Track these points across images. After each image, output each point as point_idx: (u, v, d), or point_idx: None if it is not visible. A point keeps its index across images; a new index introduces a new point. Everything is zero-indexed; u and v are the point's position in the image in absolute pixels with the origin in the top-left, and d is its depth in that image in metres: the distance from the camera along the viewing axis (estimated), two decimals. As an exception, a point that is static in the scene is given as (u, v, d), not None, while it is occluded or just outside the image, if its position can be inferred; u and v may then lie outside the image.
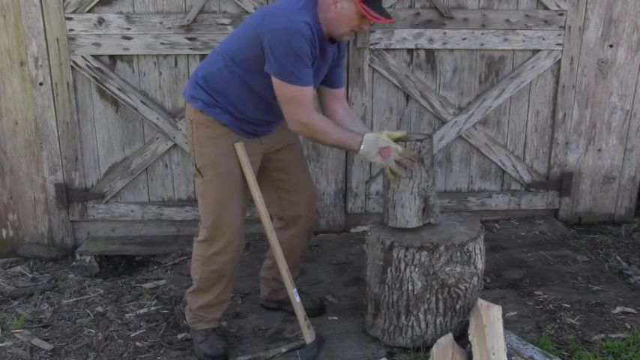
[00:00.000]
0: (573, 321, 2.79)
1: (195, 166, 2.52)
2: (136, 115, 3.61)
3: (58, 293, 3.31)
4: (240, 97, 2.43)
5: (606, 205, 4.00)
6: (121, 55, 3.51)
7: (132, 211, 3.75)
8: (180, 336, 2.83)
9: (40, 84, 3.48)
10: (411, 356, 2.57)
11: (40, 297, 3.27)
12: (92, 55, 3.48)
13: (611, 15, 3.62)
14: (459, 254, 2.46)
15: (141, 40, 3.46)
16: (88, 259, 3.60)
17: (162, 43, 3.47)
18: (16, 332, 2.92)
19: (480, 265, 2.55)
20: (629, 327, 2.74)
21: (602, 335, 2.67)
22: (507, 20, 3.57)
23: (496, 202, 3.89)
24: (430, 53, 3.63)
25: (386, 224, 2.60)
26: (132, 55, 3.51)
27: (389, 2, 3.46)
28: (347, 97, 3.50)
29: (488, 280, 3.17)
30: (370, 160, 2.46)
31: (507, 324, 2.65)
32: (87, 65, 3.49)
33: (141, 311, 3.07)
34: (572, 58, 3.66)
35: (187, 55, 3.52)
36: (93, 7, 3.41)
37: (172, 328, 2.90)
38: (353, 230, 3.89)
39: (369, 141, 2.39)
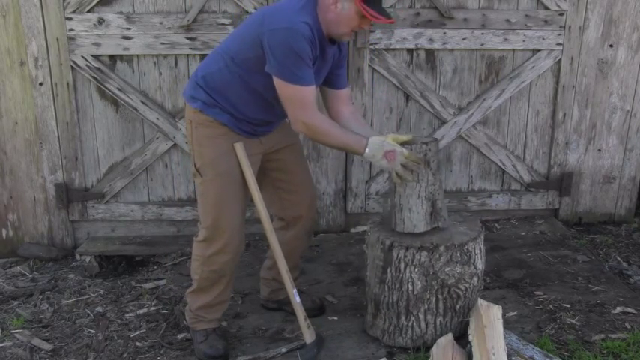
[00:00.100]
0: (573, 321, 2.79)
1: (195, 166, 2.52)
2: (136, 115, 3.61)
3: (58, 293, 3.31)
4: (240, 98, 2.43)
5: (606, 205, 4.00)
6: (121, 55, 3.51)
7: (132, 211, 3.75)
8: (180, 336, 2.83)
9: (40, 84, 3.48)
10: (411, 356, 2.57)
11: (40, 297, 3.27)
12: (92, 55, 3.48)
13: (611, 15, 3.62)
14: (459, 254, 2.46)
15: (141, 40, 3.46)
16: (88, 259, 3.59)
17: (162, 43, 3.47)
18: (16, 332, 2.92)
19: (480, 265, 2.55)
20: (629, 327, 2.74)
21: (602, 335, 2.67)
22: (507, 20, 3.57)
23: (496, 202, 3.89)
24: (430, 53, 3.63)
25: (393, 229, 2.57)
26: (132, 55, 3.52)
27: (389, 2, 3.46)
28: (347, 97, 3.50)
29: (488, 280, 3.17)
30: (376, 164, 2.44)
31: (507, 324, 2.65)
32: (87, 65, 3.49)
33: (141, 311, 3.07)
34: (572, 58, 3.66)
35: (187, 55, 3.52)
36: (93, 7, 3.41)
37: (172, 328, 2.90)
38: (353, 230, 3.89)
39: (375, 144, 2.37)
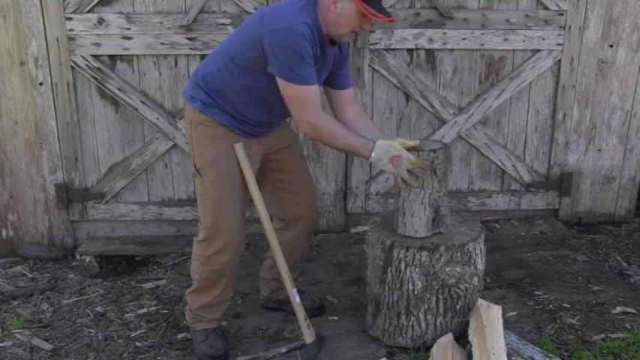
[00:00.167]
0: (573, 321, 2.79)
1: (195, 166, 2.52)
2: (136, 115, 3.61)
3: (58, 293, 3.31)
4: (240, 98, 2.43)
5: (606, 205, 4.00)
6: (121, 55, 3.51)
7: (132, 211, 3.75)
8: (180, 336, 2.83)
9: (40, 84, 3.48)
10: (411, 356, 2.57)
11: (40, 297, 3.27)
12: (92, 55, 3.48)
13: (611, 15, 3.62)
14: (459, 254, 2.46)
15: (141, 40, 3.46)
16: (88, 259, 3.59)
17: (162, 43, 3.47)
18: (16, 332, 2.92)
19: (480, 266, 2.55)
20: (629, 327, 2.74)
21: (602, 335, 2.68)
22: (507, 20, 3.57)
23: (496, 202, 3.89)
24: (430, 53, 3.63)
25: (395, 231, 2.57)
26: (132, 55, 3.51)
27: (389, 2, 3.46)
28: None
29: (488, 280, 3.17)
30: (381, 168, 2.42)
31: (507, 324, 2.65)
32: (87, 65, 3.49)
33: (141, 311, 3.07)
34: (572, 58, 3.66)
35: (187, 55, 3.52)
36: (93, 7, 3.41)
37: (172, 328, 2.90)
38: (353, 230, 3.89)
39: (381, 148, 2.36)
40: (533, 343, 2.52)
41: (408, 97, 3.69)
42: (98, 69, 3.50)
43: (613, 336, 2.67)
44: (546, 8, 3.57)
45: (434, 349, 2.37)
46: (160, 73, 3.57)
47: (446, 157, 2.48)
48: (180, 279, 3.34)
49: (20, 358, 2.73)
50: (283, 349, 2.64)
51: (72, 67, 3.48)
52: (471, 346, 2.31)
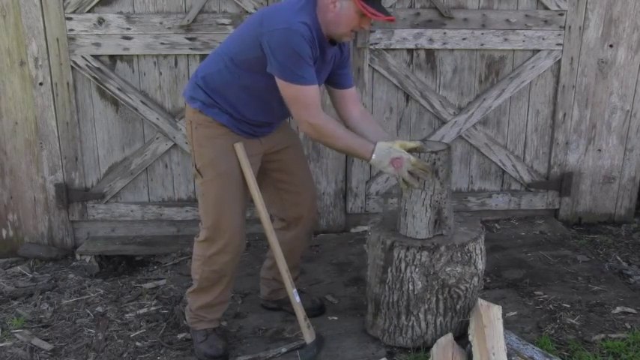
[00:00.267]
0: (573, 321, 2.79)
1: (195, 167, 2.52)
2: (136, 115, 3.61)
3: (58, 293, 3.31)
4: (239, 99, 2.43)
5: (606, 205, 4.00)
6: (121, 55, 3.51)
7: (132, 211, 3.75)
8: (180, 336, 2.83)
9: (40, 84, 3.48)
10: (411, 356, 2.57)
11: (40, 297, 3.27)
12: (92, 55, 3.48)
13: (611, 15, 3.63)
14: (459, 254, 2.46)
15: (141, 40, 3.46)
16: (88, 259, 3.60)
17: (162, 43, 3.47)
18: (16, 332, 2.92)
19: (481, 266, 2.55)
20: (629, 327, 2.74)
21: (602, 335, 2.68)
22: (507, 20, 3.57)
23: (496, 202, 3.89)
24: (430, 53, 3.63)
25: (397, 231, 2.57)
26: (132, 55, 3.51)
27: (389, 2, 3.46)
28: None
29: (489, 280, 3.17)
30: (382, 170, 2.41)
31: (507, 324, 2.65)
32: (87, 65, 3.49)
33: (141, 311, 3.07)
34: (572, 58, 3.66)
35: (187, 55, 3.52)
36: (93, 7, 3.41)
37: (172, 328, 2.90)
38: (353, 230, 3.89)
39: (382, 150, 2.35)
40: (533, 343, 2.52)
41: (408, 97, 3.69)
42: (98, 69, 3.50)
43: (613, 336, 2.67)
44: (546, 8, 3.57)
45: (434, 349, 2.37)
46: (160, 73, 3.57)
47: (449, 158, 2.47)
48: (180, 279, 3.34)
49: (20, 358, 2.73)
50: (283, 349, 2.64)
51: (72, 67, 3.48)
52: (471, 346, 2.31)
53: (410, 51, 3.62)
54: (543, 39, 3.61)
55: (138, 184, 3.74)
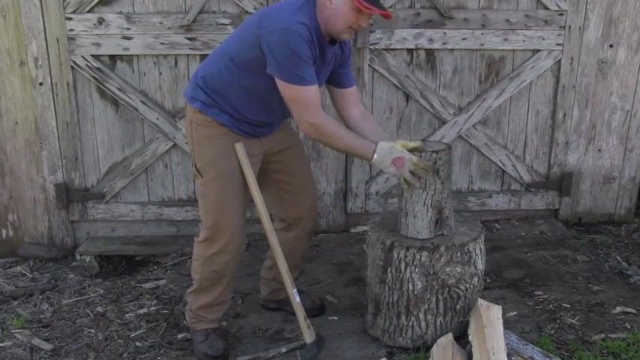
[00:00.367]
0: (573, 321, 2.79)
1: (196, 167, 2.52)
2: (136, 115, 3.61)
3: (58, 293, 3.31)
4: (239, 99, 2.43)
5: (606, 205, 4.00)
6: (121, 55, 3.51)
7: (132, 211, 3.75)
8: (180, 336, 2.83)
9: (40, 84, 3.48)
10: (411, 356, 2.57)
11: (40, 297, 3.27)
12: (92, 55, 3.48)
13: (611, 15, 3.63)
14: (459, 254, 2.46)
15: (141, 40, 3.46)
16: (88, 259, 3.60)
17: (162, 43, 3.47)
18: (16, 332, 2.92)
19: (481, 266, 2.55)
20: (629, 327, 2.74)
21: (602, 335, 2.68)
22: (507, 20, 3.57)
23: (496, 202, 3.89)
24: (430, 53, 3.63)
25: (398, 232, 2.57)
26: (132, 55, 3.52)
27: (389, 2, 3.46)
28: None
29: (488, 280, 3.17)
30: (383, 170, 2.41)
31: (507, 324, 2.65)
32: (87, 65, 3.49)
33: (141, 311, 3.07)
34: (572, 58, 3.66)
35: (187, 55, 3.52)
36: (93, 7, 3.41)
37: (172, 328, 2.90)
38: (353, 230, 3.89)
39: (383, 150, 2.35)
40: (533, 343, 2.52)
41: (408, 97, 3.69)
42: (98, 69, 3.50)
43: (613, 336, 2.67)
44: (546, 8, 3.57)
45: (434, 349, 2.37)
46: (160, 73, 3.57)
47: (449, 158, 2.47)
48: (180, 279, 3.34)
49: (20, 358, 2.74)
50: (283, 349, 2.64)
51: (72, 67, 3.48)
52: (471, 346, 2.31)
53: (410, 51, 3.62)
54: (543, 39, 3.61)
55: (138, 184, 3.74)
